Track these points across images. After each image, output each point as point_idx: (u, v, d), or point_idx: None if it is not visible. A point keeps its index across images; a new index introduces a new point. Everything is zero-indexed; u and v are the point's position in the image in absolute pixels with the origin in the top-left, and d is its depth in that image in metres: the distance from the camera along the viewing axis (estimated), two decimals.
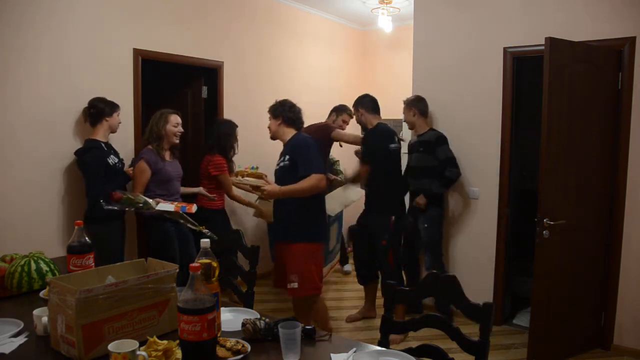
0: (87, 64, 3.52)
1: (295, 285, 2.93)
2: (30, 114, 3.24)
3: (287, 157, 2.98)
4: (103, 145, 3.28)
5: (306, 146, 2.99)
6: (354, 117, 4.00)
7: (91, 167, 3.19)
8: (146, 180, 3.32)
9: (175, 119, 3.47)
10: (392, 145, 3.67)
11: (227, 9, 4.61)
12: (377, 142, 3.69)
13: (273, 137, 3.16)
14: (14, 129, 3.18)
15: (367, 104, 3.80)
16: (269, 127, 3.14)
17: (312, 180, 2.87)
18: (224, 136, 4.01)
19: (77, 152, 3.29)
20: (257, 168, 3.18)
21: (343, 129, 4.58)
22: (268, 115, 3.13)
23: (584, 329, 3.42)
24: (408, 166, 3.97)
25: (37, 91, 3.27)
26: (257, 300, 2.48)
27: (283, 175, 3.00)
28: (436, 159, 3.72)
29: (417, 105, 3.88)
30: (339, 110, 4.68)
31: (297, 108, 3.14)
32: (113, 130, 3.39)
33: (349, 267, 5.35)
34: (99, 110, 3.30)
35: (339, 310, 4.29)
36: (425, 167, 3.77)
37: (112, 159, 3.27)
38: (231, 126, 4.07)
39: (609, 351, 3.42)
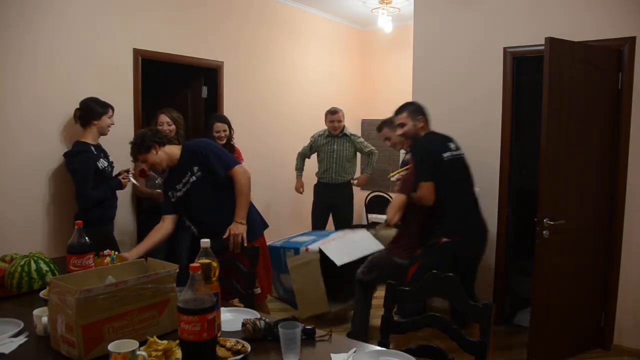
0: (87, 63, 3.52)
1: (259, 290, 2.72)
2: (30, 114, 3.24)
3: (195, 168, 2.68)
4: (92, 148, 3.21)
5: (204, 146, 2.71)
6: (404, 129, 3.16)
7: (80, 172, 3.14)
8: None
9: (161, 119, 3.64)
10: (447, 155, 3.02)
11: (228, 9, 4.61)
12: (428, 150, 3.03)
13: (164, 170, 2.77)
14: (13, 128, 3.17)
15: (424, 111, 3.16)
16: (153, 166, 2.71)
17: (241, 176, 2.65)
18: (206, 128, 4.09)
19: (65, 155, 3.23)
20: (116, 259, 2.50)
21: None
22: (140, 157, 2.69)
23: (584, 329, 3.42)
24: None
25: (37, 91, 3.27)
26: None
27: (200, 189, 2.69)
28: None
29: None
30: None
31: (153, 129, 2.82)
32: (102, 133, 3.30)
33: None
34: (87, 113, 3.23)
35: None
36: None
37: (101, 163, 3.21)
38: (212, 119, 4.08)
39: (609, 351, 3.42)
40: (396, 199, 3.11)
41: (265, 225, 3.02)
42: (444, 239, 2.93)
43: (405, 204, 3.05)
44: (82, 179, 3.14)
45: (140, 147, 2.67)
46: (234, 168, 2.67)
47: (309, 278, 3.70)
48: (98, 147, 3.29)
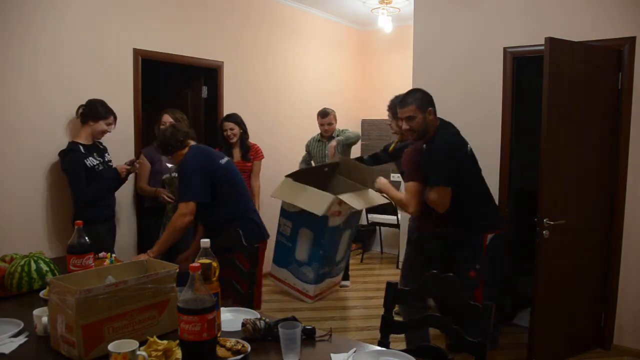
0: (87, 64, 3.52)
1: None
2: (30, 114, 3.23)
3: None
4: (82, 147, 3.21)
5: (182, 167, 2.78)
6: (412, 123, 2.72)
7: (69, 172, 3.19)
8: (147, 171, 3.71)
9: (164, 118, 3.69)
10: (468, 148, 2.77)
11: (228, 9, 4.61)
12: (451, 150, 2.69)
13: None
14: (13, 128, 3.17)
15: (432, 99, 2.76)
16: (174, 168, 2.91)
17: (180, 215, 2.68)
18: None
19: (59, 154, 3.26)
20: (114, 259, 2.61)
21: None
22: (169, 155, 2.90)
23: (584, 329, 3.42)
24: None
25: (37, 91, 3.26)
26: None
27: None
28: None
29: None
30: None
31: (168, 129, 2.93)
32: (95, 136, 3.30)
33: (347, 282, 4.95)
34: (88, 111, 3.25)
35: (344, 309, 4.30)
36: None
37: (90, 161, 3.20)
38: (222, 119, 4.24)
39: (609, 351, 3.42)
40: (410, 188, 2.71)
41: (263, 236, 3.00)
42: (488, 235, 2.72)
43: (422, 189, 2.69)
44: (72, 177, 3.18)
45: (168, 145, 2.84)
46: (182, 202, 2.71)
47: (297, 190, 4.00)
48: (90, 146, 3.28)
